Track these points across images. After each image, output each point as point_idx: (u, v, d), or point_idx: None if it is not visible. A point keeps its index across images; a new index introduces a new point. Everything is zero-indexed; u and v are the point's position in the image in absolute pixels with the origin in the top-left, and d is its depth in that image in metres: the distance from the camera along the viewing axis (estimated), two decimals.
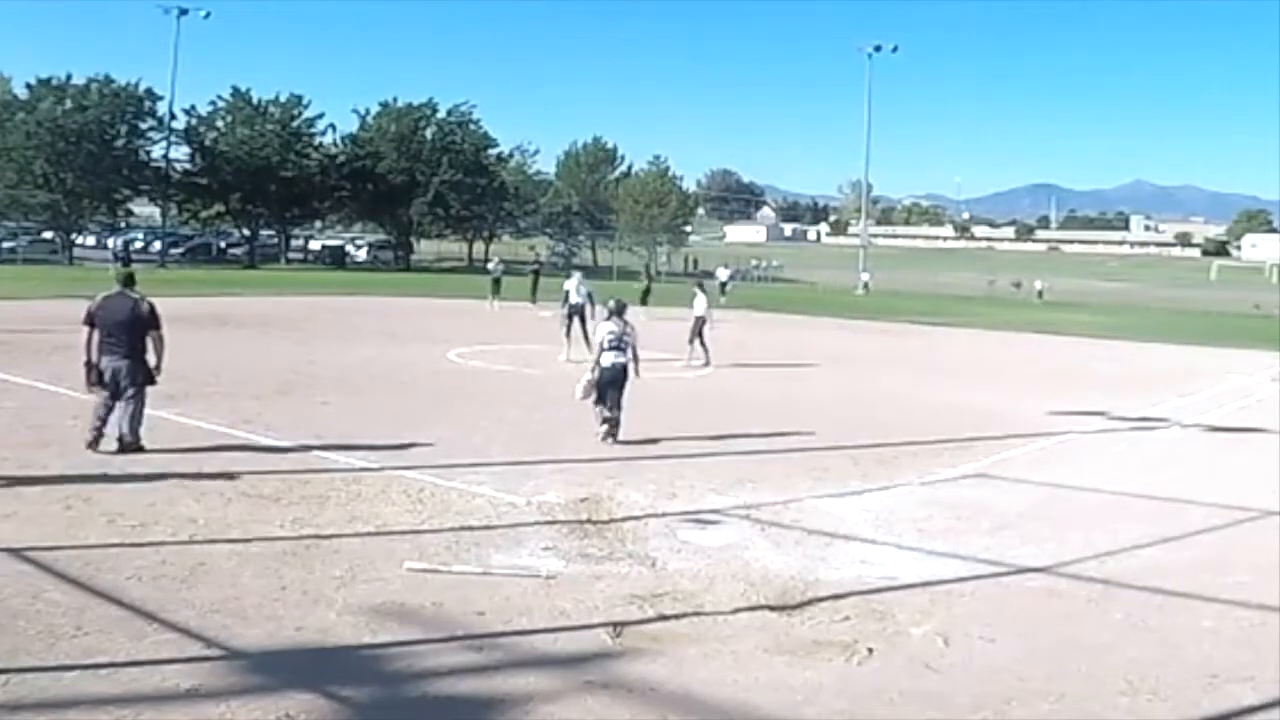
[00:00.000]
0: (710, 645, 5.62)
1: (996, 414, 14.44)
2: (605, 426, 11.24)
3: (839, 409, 14.81)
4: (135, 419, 9.62)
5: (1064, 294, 61.02)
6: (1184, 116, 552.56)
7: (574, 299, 19.82)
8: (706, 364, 18.61)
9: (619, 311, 11.85)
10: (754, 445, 11.41)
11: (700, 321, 18.96)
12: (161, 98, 59.18)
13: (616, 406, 11.34)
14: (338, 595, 6.13)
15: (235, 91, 62.81)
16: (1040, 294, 59.68)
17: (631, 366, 11.52)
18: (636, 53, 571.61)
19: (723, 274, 42.35)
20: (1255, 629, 6.22)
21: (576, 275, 20.87)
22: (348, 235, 74.68)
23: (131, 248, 56.37)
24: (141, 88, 58.67)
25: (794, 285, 66.05)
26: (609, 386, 11.37)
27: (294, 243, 68.97)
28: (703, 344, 18.85)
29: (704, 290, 19.86)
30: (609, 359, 11.42)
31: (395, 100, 67.20)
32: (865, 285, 59.78)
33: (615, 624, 5.84)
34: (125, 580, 6.17)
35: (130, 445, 9.51)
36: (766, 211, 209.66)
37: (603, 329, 11.82)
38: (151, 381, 9.81)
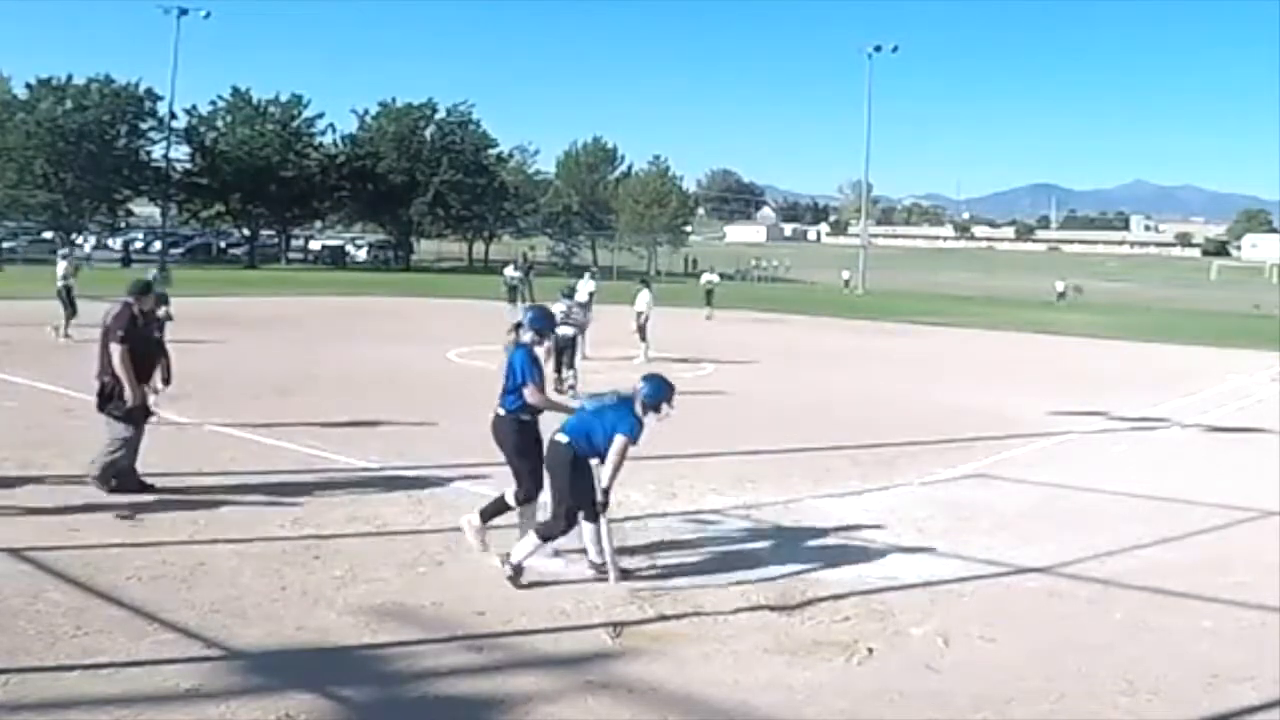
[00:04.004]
0: (710, 645, 5.62)
1: (996, 414, 14.42)
2: (559, 384, 14.07)
3: (839, 409, 14.81)
4: (106, 451, 7.97)
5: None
6: (1184, 116, 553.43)
7: (579, 297, 20.17)
8: (644, 358, 18.81)
9: (570, 294, 16.39)
10: (754, 445, 11.40)
11: (641, 317, 19.88)
12: (161, 98, 59.39)
13: (570, 367, 14.88)
14: (338, 595, 6.13)
15: (235, 91, 62.96)
16: (1061, 295, 58.94)
17: (579, 337, 15.03)
18: (636, 53, 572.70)
19: (707, 279, 33.75)
20: (1255, 629, 6.22)
21: (586, 277, 21.47)
22: (348, 235, 74.69)
23: (132, 248, 56.58)
24: (141, 88, 58.87)
25: (794, 285, 66.02)
26: (562, 352, 14.67)
27: (294, 243, 69.06)
28: (643, 338, 19.64)
29: (649, 287, 21.04)
30: (559, 330, 14.05)
31: (395, 100, 67.41)
32: (847, 283, 59.72)
33: (615, 624, 5.85)
34: (125, 580, 6.17)
35: (95, 479, 7.96)
36: (766, 211, 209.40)
37: (557, 308, 14.10)
38: (117, 413, 8.00)
